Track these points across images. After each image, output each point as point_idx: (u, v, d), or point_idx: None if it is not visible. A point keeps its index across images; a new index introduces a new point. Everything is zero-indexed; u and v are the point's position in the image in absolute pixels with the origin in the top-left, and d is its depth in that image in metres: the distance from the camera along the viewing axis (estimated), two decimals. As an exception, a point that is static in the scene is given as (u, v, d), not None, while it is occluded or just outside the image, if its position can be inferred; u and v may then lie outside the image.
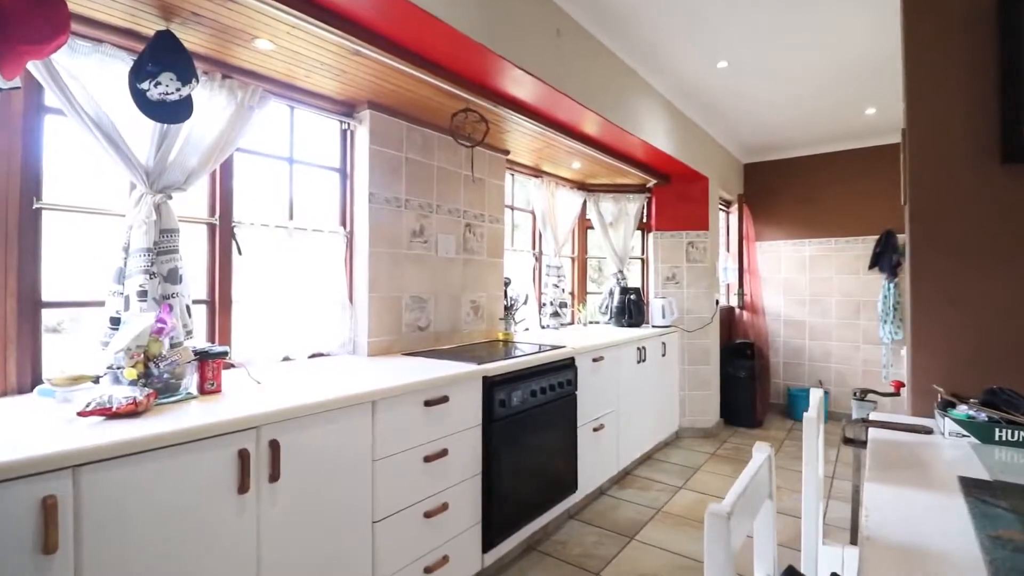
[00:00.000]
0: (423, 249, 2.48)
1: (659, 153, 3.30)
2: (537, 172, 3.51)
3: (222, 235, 1.92)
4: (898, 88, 3.31)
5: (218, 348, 1.50)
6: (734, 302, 4.65)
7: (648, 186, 4.09)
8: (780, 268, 4.87)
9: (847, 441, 1.37)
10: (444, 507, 1.76)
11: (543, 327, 3.55)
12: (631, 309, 3.73)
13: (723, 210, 4.70)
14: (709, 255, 4.02)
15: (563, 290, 3.63)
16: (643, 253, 4.25)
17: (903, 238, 4.15)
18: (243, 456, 1.23)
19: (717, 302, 4.17)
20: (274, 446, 1.29)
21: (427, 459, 1.71)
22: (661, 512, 2.64)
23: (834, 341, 4.61)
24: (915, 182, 1.72)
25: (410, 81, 2.04)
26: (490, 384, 1.97)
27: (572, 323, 3.88)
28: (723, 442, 3.87)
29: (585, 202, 3.98)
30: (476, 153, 2.76)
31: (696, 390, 4.02)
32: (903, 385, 1.58)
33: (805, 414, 1.41)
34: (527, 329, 3.38)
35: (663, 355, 3.61)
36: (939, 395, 1.57)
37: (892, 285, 4.26)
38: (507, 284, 3.09)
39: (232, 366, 1.74)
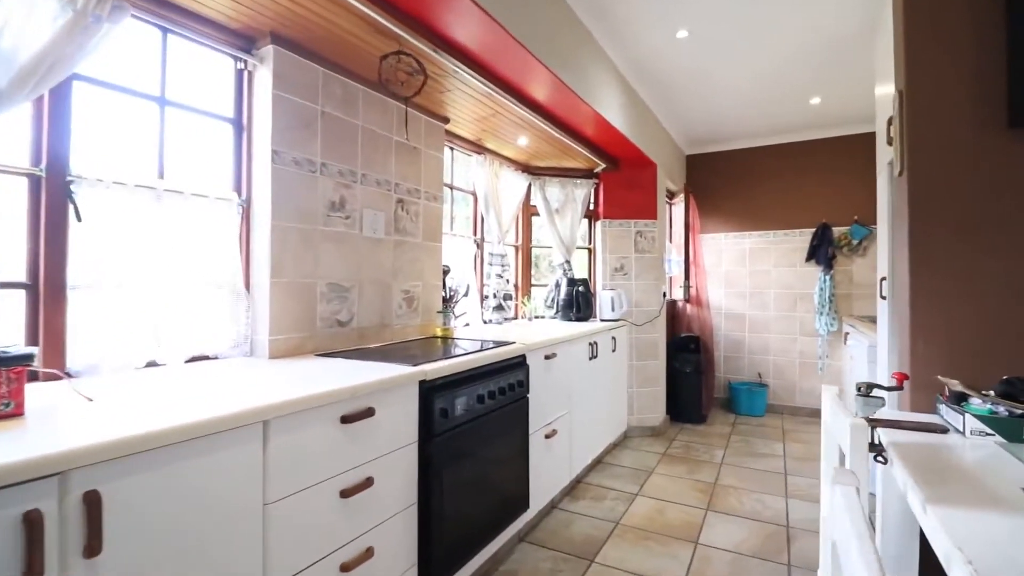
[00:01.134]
0: (344, 226, 2.04)
1: (610, 131, 3.04)
2: (479, 148, 3.14)
3: (51, 193, 1.38)
4: (845, 78, 3.27)
5: (19, 350, 1.00)
6: (676, 295, 4.53)
7: (596, 171, 3.84)
8: (721, 261, 4.83)
9: (874, 448, 1.13)
10: (368, 553, 1.35)
11: (486, 322, 3.19)
12: (579, 302, 3.46)
13: (667, 202, 4.57)
14: (657, 246, 3.85)
15: (507, 281, 3.28)
16: (590, 242, 4.01)
17: (839, 231, 4.20)
18: (31, 522, 0.76)
19: (664, 295, 4.01)
20: (92, 501, 0.83)
21: (345, 493, 1.29)
22: (620, 526, 2.37)
23: (773, 334, 4.63)
24: (914, 150, 1.54)
25: (327, 5, 1.60)
26: (429, 390, 1.58)
27: (516, 317, 3.55)
28: (672, 440, 3.70)
29: (530, 186, 3.67)
30: (412, 118, 2.35)
31: (644, 387, 3.83)
32: (907, 377, 1.38)
33: (823, 419, 1.17)
34: (468, 324, 3.00)
35: (613, 350, 3.38)
36: (946, 388, 1.39)
37: (828, 277, 4.31)
38: (446, 272, 2.70)
39: (55, 376, 1.22)
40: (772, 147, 4.64)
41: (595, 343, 3.01)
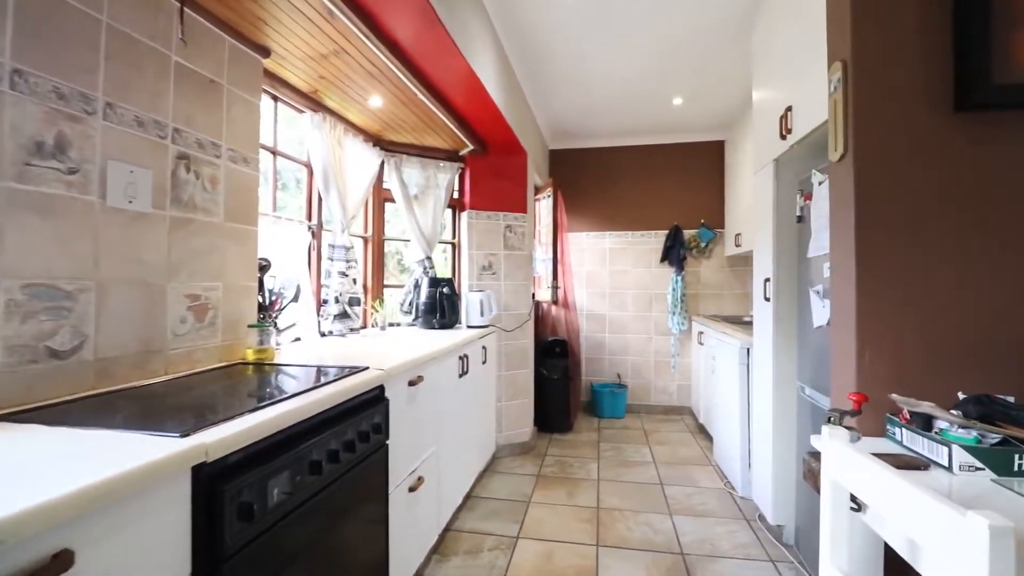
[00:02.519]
0: (65, 186, 1.18)
1: (485, 104, 2.55)
2: (316, 104, 2.38)
3: None
4: (709, 77, 3.24)
5: None
6: (542, 296, 4.26)
7: (462, 154, 3.33)
8: (583, 260, 4.71)
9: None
10: None
11: (324, 334, 2.44)
12: (444, 306, 2.91)
13: (534, 197, 4.27)
14: (527, 242, 3.49)
15: (354, 281, 2.58)
16: (454, 236, 3.48)
17: (689, 233, 4.33)
18: None
19: (534, 296, 3.68)
20: None
21: None
22: (505, 588, 1.89)
23: (631, 334, 4.64)
24: (860, 130, 1.32)
25: None
26: (214, 478, 0.88)
27: (365, 326, 2.85)
28: (543, 456, 3.37)
29: (383, 165, 3.00)
30: (207, 36, 1.55)
31: (514, 399, 3.44)
32: (866, 399, 1.13)
33: (828, 474, 0.81)
34: (298, 340, 2.23)
35: (483, 362, 2.90)
36: (904, 409, 1.18)
37: (680, 278, 4.43)
38: (264, 269, 1.92)
39: None
40: (633, 148, 4.65)
41: (465, 356, 2.50)
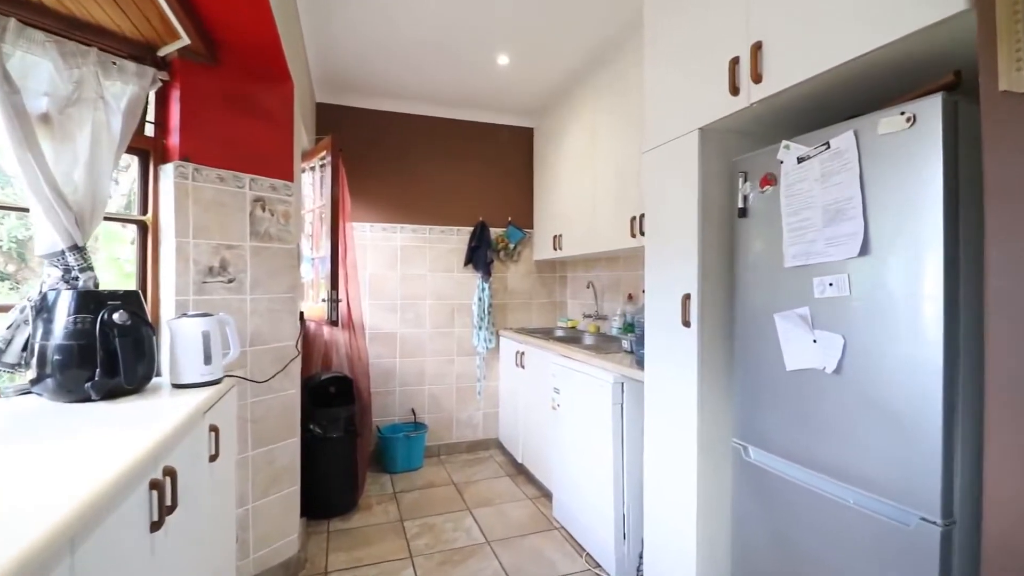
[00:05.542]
0: None
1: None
2: None
3: None
4: (542, 36, 2.45)
5: None
6: (311, 312, 2.88)
7: (163, 54, 1.77)
8: (366, 261, 3.49)
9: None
10: None
11: None
12: (115, 349, 1.37)
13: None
14: (294, 228, 2.14)
15: None
16: (145, 210, 1.85)
17: (496, 232, 3.56)
18: None
19: (302, 316, 2.33)
20: None
21: None
22: None
23: (429, 356, 3.64)
24: None
25: None
26: None
27: None
28: (325, 577, 2.09)
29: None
30: None
31: (269, 494, 2.04)
32: None
33: None
34: None
35: (212, 458, 1.47)
36: None
37: (487, 285, 3.67)
38: None
39: None
40: (437, 120, 3.66)
41: (172, 473, 1.09)
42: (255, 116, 1.99)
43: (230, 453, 1.71)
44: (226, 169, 1.90)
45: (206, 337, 1.60)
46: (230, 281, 1.91)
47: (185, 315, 1.63)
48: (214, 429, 1.47)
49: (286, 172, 2.09)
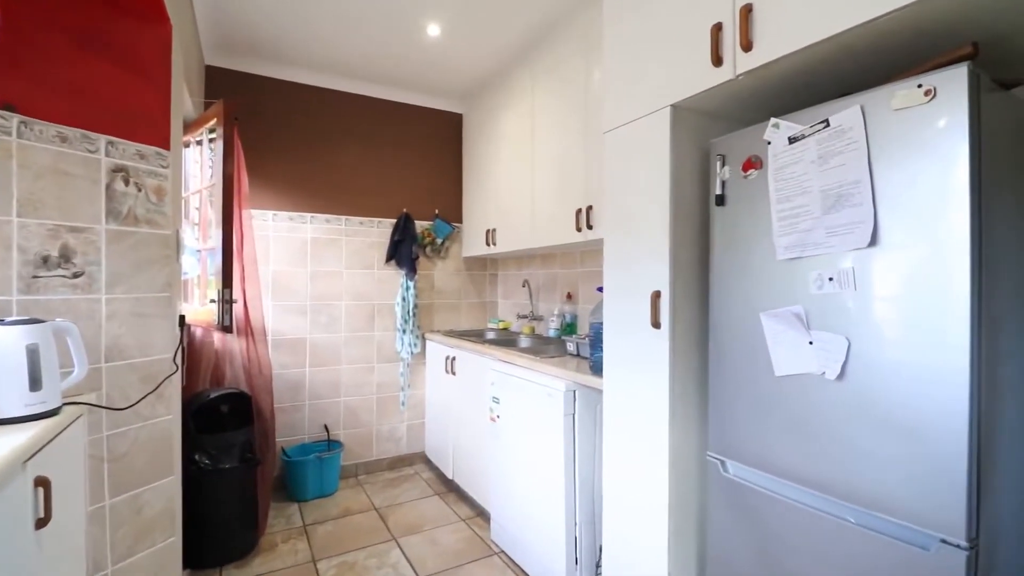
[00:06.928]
0: None
1: None
2: None
3: None
4: (478, 10, 2.18)
5: None
6: (196, 316, 2.38)
7: (-37, -44, 1.26)
8: (268, 256, 3.00)
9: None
10: None
11: None
12: None
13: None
14: (170, 210, 1.68)
15: None
16: (-63, 176, 1.32)
17: (422, 226, 3.24)
18: None
19: (183, 321, 1.87)
20: None
21: None
22: None
23: (344, 364, 3.22)
24: None
25: None
26: None
27: None
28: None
29: None
30: None
31: (139, 550, 1.58)
32: None
33: None
34: None
35: (41, 523, 1.04)
36: None
37: (412, 284, 3.33)
38: None
39: None
40: (355, 97, 3.25)
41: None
42: (118, 61, 1.52)
43: (74, 509, 1.25)
44: (72, 127, 1.42)
45: (32, 352, 1.15)
46: (76, 276, 1.43)
47: (1, 322, 1.16)
48: (42, 483, 1.04)
49: (160, 137, 1.63)
